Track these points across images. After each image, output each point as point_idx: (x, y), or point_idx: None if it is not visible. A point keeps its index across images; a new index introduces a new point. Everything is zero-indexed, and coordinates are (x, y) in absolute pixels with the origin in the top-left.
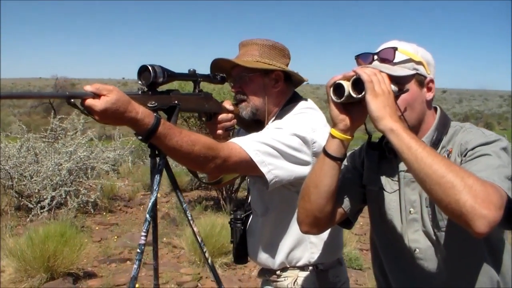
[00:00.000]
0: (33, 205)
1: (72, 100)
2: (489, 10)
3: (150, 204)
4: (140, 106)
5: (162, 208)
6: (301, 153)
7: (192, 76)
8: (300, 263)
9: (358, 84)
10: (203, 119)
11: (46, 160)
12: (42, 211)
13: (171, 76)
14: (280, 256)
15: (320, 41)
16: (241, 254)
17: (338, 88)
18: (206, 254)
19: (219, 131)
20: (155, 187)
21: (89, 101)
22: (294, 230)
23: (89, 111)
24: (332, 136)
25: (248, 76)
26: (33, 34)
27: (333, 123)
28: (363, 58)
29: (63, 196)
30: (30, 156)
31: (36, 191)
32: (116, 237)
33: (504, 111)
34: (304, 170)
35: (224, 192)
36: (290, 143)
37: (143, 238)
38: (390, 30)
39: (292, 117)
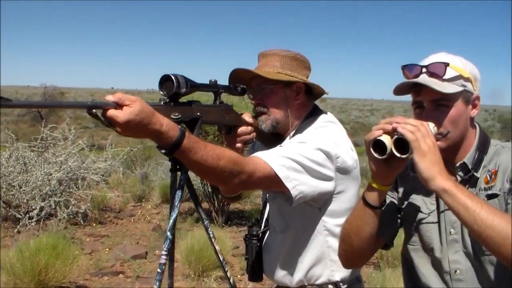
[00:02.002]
0: (21, 215)
1: (94, 111)
2: None
3: (171, 221)
4: (165, 118)
5: (153, 220)
6: (325, 168)
7: (213, 87)
8: (319, 281)
9: (402, 143)
10: (222, 132)
11: (36, 169)
12: (30, 221)
13: (193, 86)
14: (299, 274)
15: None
16: (257, 272)
17: (378, 145)
18: (228, 273)
19: (238, 144)
20: (176, 204)
21: (111, 112)
22: (314, 248)
23: (110, 123)
24: (372, 187)
25: (269, 87)
26: (21, 41)
27: (373, 175)
28: (410, 69)
29: (53, 206)
30: (19, 166)
31: (25, 201)
32: (107, 249)
33: (489, 124)
34: (327, 186)
35: (216, 204)
36: (314, 158)
37: (163, 257)
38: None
39: (313, 131)
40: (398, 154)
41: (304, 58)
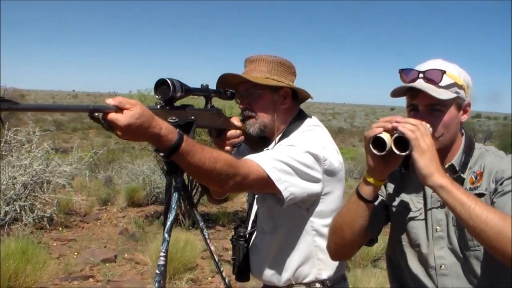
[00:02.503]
0: None
1: (96, 114)
2: None
3: (168, 223)
4: (163, 121)
5: (119, 223)
6: (313, 170)
7: (205, 91)
8: (307, 280)
9: (402, 141)
10: (213, 135)
11: None
12: None
13: (188, 91)
14: (287, 273)
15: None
16: (244, 272)
17: (378, 142)
18: (224, 274)
19: (227, 148)
20: (173, 206)
21: (112, 116)
22: (302, 247)
23: (111, 126)
24: (367, 182)
25: (257, 92)
26: None
27: (369, 170)
28: (407, 74)
29: (18, 211)
30: None
31: None
32: (75, 253)
33: None
34: (315, 187)
35: (183, 207)
36: (303, 161)
37: (162, 259)
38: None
39: (301, 134)
40: (397, 152)
41: (290, 63)
